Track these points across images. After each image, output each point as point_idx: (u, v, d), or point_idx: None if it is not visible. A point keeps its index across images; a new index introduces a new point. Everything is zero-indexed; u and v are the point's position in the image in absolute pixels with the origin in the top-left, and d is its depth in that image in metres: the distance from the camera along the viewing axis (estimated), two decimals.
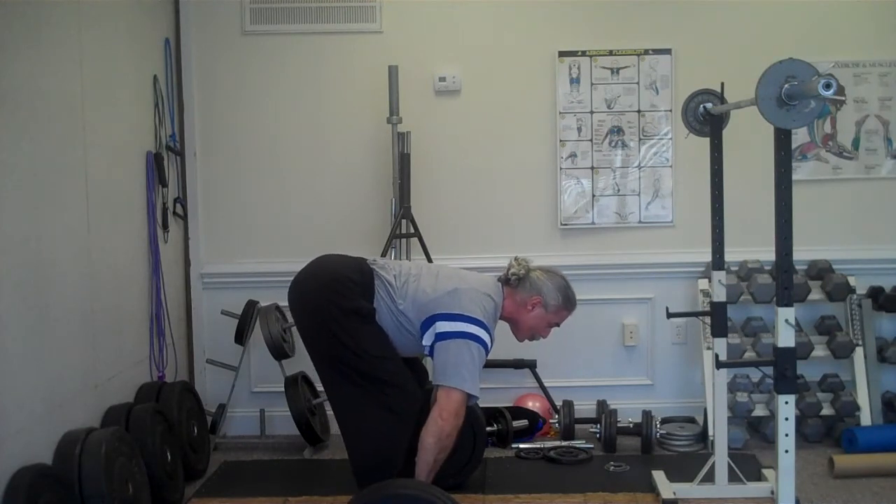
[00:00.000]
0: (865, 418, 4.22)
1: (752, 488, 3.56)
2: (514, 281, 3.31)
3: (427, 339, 3.13)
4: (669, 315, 3.81)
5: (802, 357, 4.07)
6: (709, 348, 4.22)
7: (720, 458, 3.54)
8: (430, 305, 3.13)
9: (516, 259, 3.36)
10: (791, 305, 2.58)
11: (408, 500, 2.77)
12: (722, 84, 3.41)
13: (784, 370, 2.58)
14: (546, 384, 4.51)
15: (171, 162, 4.44)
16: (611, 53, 4.52)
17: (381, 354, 3.12)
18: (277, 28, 4.54)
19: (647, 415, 4.20)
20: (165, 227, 4.31)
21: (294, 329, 4.46)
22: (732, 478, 3.54)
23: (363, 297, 3.14)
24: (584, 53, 4.52)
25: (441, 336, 3.09)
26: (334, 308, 3.10)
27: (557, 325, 3.42)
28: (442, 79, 4.52)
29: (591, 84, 4.53)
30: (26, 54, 3.11)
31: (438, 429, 3.02)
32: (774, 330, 2.61)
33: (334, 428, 4.53)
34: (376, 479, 2.91)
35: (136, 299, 4.04)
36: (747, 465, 3.76)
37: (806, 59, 2.48)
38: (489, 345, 3.15)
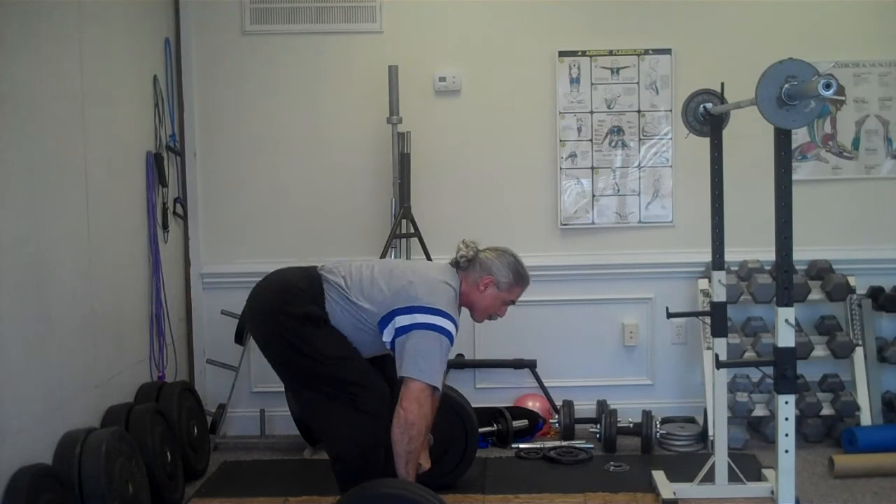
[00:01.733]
0: (865, 418, 4.22)
1: (752, 488, 3.56)
2: (463, 263, 3.31)
3: (387, 336, 3.13)
4: (669, 315, 3.81)
5: (802, 357, 4.07)
6: (709, 348, 4.22)
7: (720, 458, 3.54)
8: (386, 302, 3.13)
9: (464, 242, 3.35)
10: (791, 305, 2.58)
11: (392, 500, 2.79)
12: (722, 84, 3.41)
13: (784, 370, 2.58)
14: (546, 384, 4.51)
15: (171, 162, 4.44)
16: (611, 53, 4.52)
17: (339, 356, 3.12)
18: (277, 28, 4.54)
19: (647, 415, 4.21)
20: (165, 227, 4.31)
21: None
22: (732, 478, 3.54)
23: (313, 303, 3.15)
24: (584, 53, 4.52)
25: (400, 331, 3.09)
26: (283, 316, 3.12)
27: (513, 302, 3.40)
28: (442, 79, 4.52)
29: (591, 84, 4.53)
30: (26, 54, 3.11)
31: (401, 419, 3.02)
32: (774, 330, 2.61)
33: None
34: (359, 480, 2.92)
35: (136, 299, 4.04)
36: (747, 465, 3.76)
37: (806, 59, 2.48)
38: (451, 331, 3.11)
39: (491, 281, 3.29)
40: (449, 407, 3.45)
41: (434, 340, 3.07)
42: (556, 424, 4.36)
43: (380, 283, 3.17)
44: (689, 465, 3.79)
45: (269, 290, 3.23)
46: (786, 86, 2.44)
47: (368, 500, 2.84)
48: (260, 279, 3.31)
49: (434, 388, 3.10)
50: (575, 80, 4.53)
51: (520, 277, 3.36)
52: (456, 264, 3.32)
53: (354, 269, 3.24)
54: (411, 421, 3.02)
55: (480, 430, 4.27)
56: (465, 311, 3.34)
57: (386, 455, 3.08)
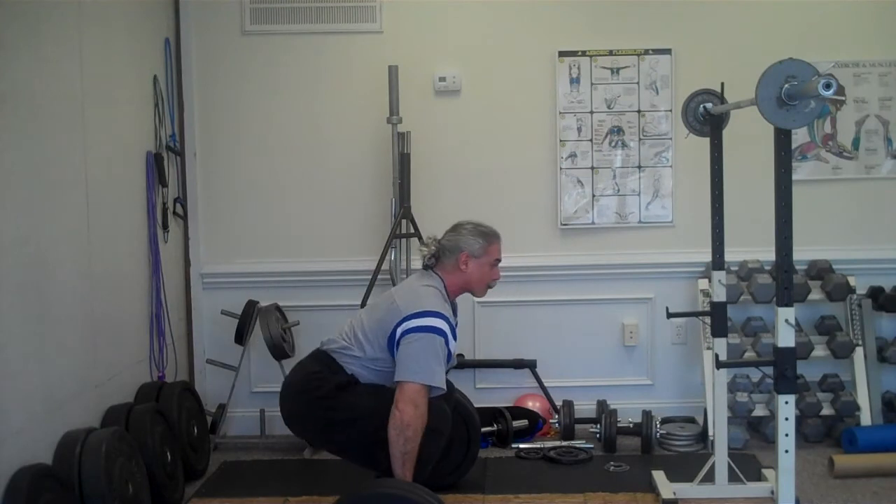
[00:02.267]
0: (865, 418, 4.22)
1: (752, 488, 3.56)
2: (431, 262, 3.37)
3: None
4: (669, 315, 3.82)
5: (802, 357, 4.07)
6: (709, 348, 4.22)
7: (720, 458, 3.54)
8: (380, 332, 3.22)
9: (421, 243, 3.44)
10: (791, 305, 2.58)
11: (390, 500, 2.80)
12: (722, 84, 3.41)
13: (784, 370, 2.58)
14: (546, 384, 4.51)
15: (171, 162, 4.44)
16: (611, 53, 4.52)
17: (381, 402, 3.18)
18: (277, 28, 4.54)
19: (647, 415, 4.21)
20: (165, 227, 4.31)
21: (294, 329, 4.47)
22: (732, 478, 3.54)
23: (335, 374, 3.26)
24: (584, 53, 4.52)
25: (397, 344, 3.18)
26: (317, 402, 3.26)
27: (499, 260, 3.42)
28: (442, 79, 4.52)
29: (591, 84, 4.53)
30: (26, 54, 3.11)
31: (396, 420, 3.07)
32: (774, 330, 2.61)
33: None
34: None
35: (136, 299, 4.04)
36: (747, 465, 3.76)
37: (806, 59, 2.48)
38: (439, 326, 3.16)
39: (466, 255, 3.33)
40: (452, 407, 3.46)
41: (422, 340, 3.12)
42: (556, 424, 4.36)
43: (370, 324, 3.27)
44: (689, 465, 3.79)
45: (294, 390, 3.37)
46: (786, 86, 2.44)
47: (367, 500, 2.84)
48: (283, 381, 3.51)
49: (431, 388, 3.11)
50: (575, 80, 4.53)
51: (488, 236, 3.39)
52: (429, 266, 3.38)
53: (348, 328, 3.35)
54: (407, 422, 3.04)
55: (481, 430, 4.27)
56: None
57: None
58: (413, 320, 3.16)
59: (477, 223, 3.42)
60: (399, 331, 3.17)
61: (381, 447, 3.14)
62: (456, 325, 3.37)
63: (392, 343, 3.19)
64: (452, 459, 3.70)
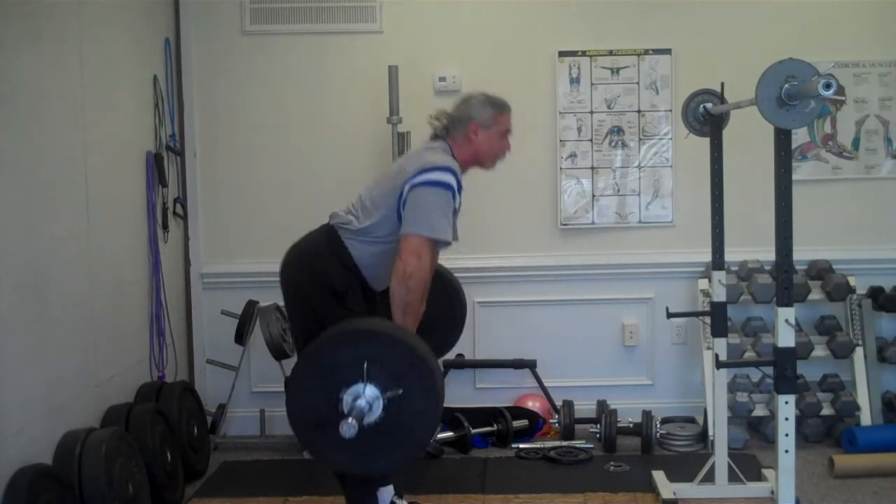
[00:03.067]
0: (865, 418, 4.22)
1: (752, 488, 3.56)
2: (441, 131, 3.26)
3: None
4: (669, 315, 3.82)
5: (802, 357, 4.07)
6: (709, 348, 4.22)
7: (720, 458, 3.54)
8: (390, 194, 3.09)
9: (432, 116, 3.31)
10: (791, 305, 2.58)
11: (392, 341, 2.72)
12: (722, 84, 3.41)
13: (784, 370, 2.58)
14: (546, 384, 4.51)
15: (171, 162, 4.44)
16: (611, 53, 4.52)
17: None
18: (277, 28, 4.54)
19: (647, 415, 4.21)
20: (165, 227, 4.31)
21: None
22: (732, 478, 3.54)
23: (336, 257, 3.15)
24: (584, 53, 4.52)
25: (404, 202, 3.05)
26: (310, 287, 3.18)
27: (509, 131, 3.30)
28: (442, 79, 4.51)
29: (591, 84, 4.53)
30: (27, 54, 3.11)
31: (399, 271, 2.95)
32: (774, 330, 2.61)
33: None
34: None
35: (136, 299, 4.04)
36: (747, 465, 3.76)
37: (806, 59, 2.48)
38: (449, 181, 3.02)
39: (476, 125, 3.22)
40: (436, 282, 3.34)
41: (429, 193, 3.00)
42: (556, 424, 4.35)
43: (379, 190, 3.14)
44: (689, 465, 3.79)
45: (294, 263, 3.28)
46: (786, 86, 2.44)
47: (369, 335, 2.76)
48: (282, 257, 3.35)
49: (436, 241, 3.02)
50: (575, 80, 4.53)
51: (498, 105, 3.28)
52: (438, 136, 3.27)
53: (356, 200, 3.23)
54: (409, 272, 2.94)
55: (481, 430, 4.28)
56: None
57: None
58: (421, 175, 3.02)
59: (487, 93, 3.29)
60: (406, 187, 3.03)
61: None
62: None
63: (400, 204, 3.05)
64: (437, 335, 3.48)
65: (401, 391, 2.62)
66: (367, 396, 2.60)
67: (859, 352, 4.33)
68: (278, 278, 4.14)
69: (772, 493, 3.49)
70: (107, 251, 3.69)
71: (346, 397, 2.60)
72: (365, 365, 2.60)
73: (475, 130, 3.22)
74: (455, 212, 3.11)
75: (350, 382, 2.61)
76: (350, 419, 2.55)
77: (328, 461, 2.82)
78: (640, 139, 4.54)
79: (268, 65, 4.56)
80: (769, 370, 2.63)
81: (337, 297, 3.10)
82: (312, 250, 3.22)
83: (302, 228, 4.55)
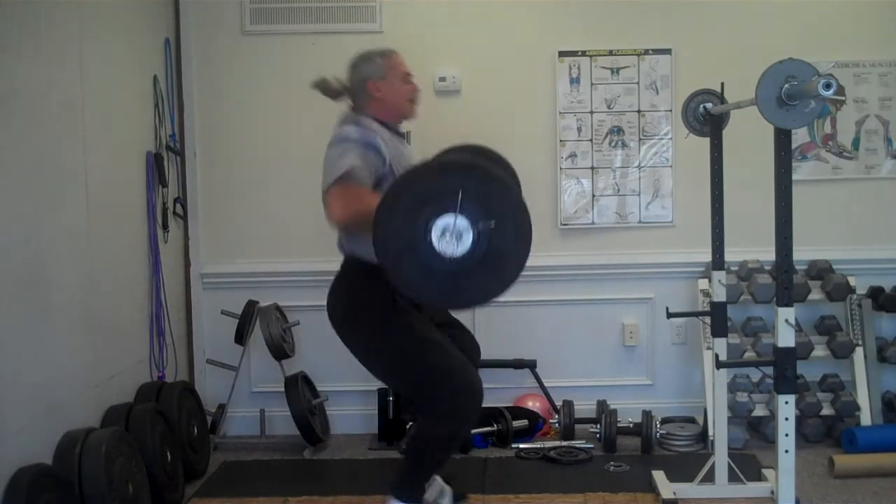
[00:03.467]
0: (865, 418, 4.22)
1: (752, 488, 3.56)
2: (351, 105, 3.28)
3: None
4: (669, 315, 3.82)
5: (802, 357, 4.07)
6: (709, 348, 4.22)
7: (720, 458, 3.54)
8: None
9: (325, 85, 3.31)
10: (791, 305, 2.58)
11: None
12: (722, 84, 3.41)
13: (784, 370, 2.58)
14: (546, 384, 4.51)
15: (171, 162, 4.44)
16: (611, 53, 4.52)
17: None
18: (277, 28, 4.54)
19: (647, 415, 4.21)
20: (165, 227, 4.31)
21: (294, 329, 4.48)
22: (732, 478, 3.54)
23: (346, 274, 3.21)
24: (584, 53, 4.52)
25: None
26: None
27: (408, 74, 3.28)
28: (442, 79, 4.51)
29: (591, 84, 4.53)
30: (27, 55, 3.11)
31: (332, 220, 3.06)
32: (774, 330, 2.61)
33: (334, 428, 4.55)
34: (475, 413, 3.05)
35: (136, 299, 4.04)
36: (747, 465, 3.76)
37: (806, 59, 2.48)
38: (347, 134, 3.09)
39: (372, 82, 3.21)
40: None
41: (328, 152, 3.10)
42: (556, 424, 4.36)
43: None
44: (689, 465, 3.79)
45: (331, 307, 3.32)
46: (786, 86, 2.44)
47: (467, 168, 2.76)
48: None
49: (342, 178, 3.02)
50: (575, 80, 4.53)
51: (382, 53, 3.26)
52: (350, 112, 3.29)
53: None
54: (337, 220, 3.02)
55: (481, 430, 4.28)
56: None
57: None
58: (337, 141, 3.12)
59: (363, 52, 3.28)
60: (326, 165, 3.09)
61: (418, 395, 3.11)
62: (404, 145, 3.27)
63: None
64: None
65: (493, 224, 2.62)
66: (458, 227, 2.60)
67: (859, 352, 4.33)
68: (280, 279, 4.21)
69: (772, 493, 3.49)
70: (107, 251, 3.69)
71: (436, 227, 2.60)
72: (459, 195, 2.59)
73: (375, 87, 3.21)
74: (377, 150, 3.08)
75: (442, 211, 2.61)
76: (447, 236, 2.57)
77: (409, 286, 2.78)
78: (640, 139, 4.54)
79: (268, 65, 4.55)
80: (769, 370, 2.63)
81: (394, 311, 3.11)
82: (337, 285, 3.30)
83: (302, 228, 4.59)
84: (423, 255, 2.62)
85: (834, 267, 4.41)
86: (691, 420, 4.44)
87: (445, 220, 2.61)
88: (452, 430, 3.12)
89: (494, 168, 2.83)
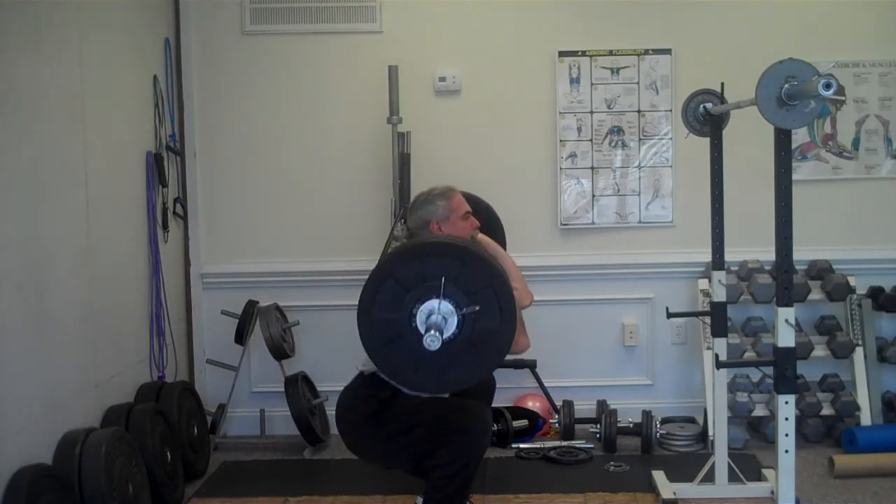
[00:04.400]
0: (865, 418, 4.22)
1: (752, 488, 3.56)
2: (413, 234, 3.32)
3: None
4: (669, 315, 3.82)
5: (802, 357, 4.07)
6: (709, 348, 4.22)
7: (720, 458, 3.54)
8: None
9: (394, 238, 3.41)
10: (791, 305, 2.58)
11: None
12: (722, 84, 3.41)
13: (784, 370, 2.58)
14: (546, 384, 4.51)
15: (171, 162, 4.44)
16: (611, 53, 4.52)
17: (423, 410, 3.13)
18: (277, 28, 4.54)
19: (647, 415, 4.21)
20: (165, 227, 4.31)
21: (294, 329, 4.48)
22: (732, 478, 3.54)
23: (380, 391, 3.16)
24: (584, 53, 4.52)
25: None
26: (364, 420, 3.19)
27: (469, 212, 3.32)
28: (442, 79, 4.51)
29: (591, 84, 4.53)
30: (27, 54, 3.11)
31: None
32: (774, 330, 2.61)
33: (334, 428, 4.54)
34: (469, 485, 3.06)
35: (136, 299, 4.04)
36: (747, 465, 3.76)
37: (806, 59, 2.47)
38: None
39: (435, 223, 3.27)
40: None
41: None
42: (556, 424, 4.36)
43: None
44: (689, 465, 3.79)
45: (341, 413, 3.30)
46: (786, 86, 2.44)
47: (446, 250, 2.76)
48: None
49: None
50: (575, 80, 4.53)
51: (444, 196, 3.31)
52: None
53: None
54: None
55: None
56: None
57: None
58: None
59: (426, 194, 3.33)
60: None
61: (427, 454, 3.07)
62: None
63: None
64: None
65: (477, 307, 2.63)
66: (441, 312, 2.61)
67: (859, 352, 4.33)
68: (280, 279, 4.18)
69: (772, 493, 3.49)
70: (107, 251, 3.69)
71: (420, 313, 2.61)
72: (442, 281, 2.60)
73: (438, 227, 3.28)
74: None
75: (424, 298, 2.62)
76: (432, 331, 2.56)
77: (398, 376, 2.81)
78: (640, 139, 4.54)
79: (268, 65, 4.56)
80: (769, 370, 2.63)
81: (380, 412, 3.13)
82: (344, 401, 3.29)
83: (302, 228, 4.60)
84: (409, 342, 2.63)
85: (834, 267, 4.41)
86: (691, 420, 4.44)
87: (430, 306, 2.63)
88: (464, 462, 3.07)
89: (473, 247, 2.83)
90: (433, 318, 2.61)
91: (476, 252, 2.78)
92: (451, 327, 2.63)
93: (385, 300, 2.68)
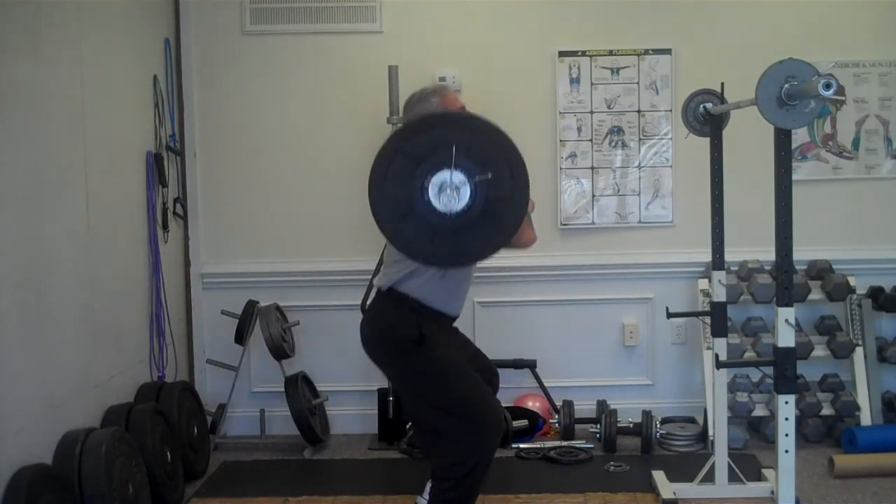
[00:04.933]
0: (865, 418, 4.22)
1: (752, 488, 3.56)
2: None
3: None
4: (669, 315, 3.82)
5: (802, 357, 4.07)
6: (709, 348, 4.22)
7: (720, 458, 3.54)
8: None
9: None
10: (791, 305, 2.58)
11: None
12: (722, 84, 3.41)
13: (784, 370, 2.58)
14: (546, 384, 4.51)
15: (171, 162, 4.44)
16: (611, 53, 4.52)
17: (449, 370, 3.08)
18: (277, 28, 4.54)
19: (647, 415, 4.21)
20: (165, 227, 4.31)
21: (294, 329, 4.47)
22: (732, 478, 3.54)
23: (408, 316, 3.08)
24: (584, 53, 4.52)
25: None
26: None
27: (463, 107, 3.23)
28: (442, 79, 4.51)
29: (591, 84, 4.53)
30: (26, 54, 3.11)
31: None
32: (774, 330, 2.61)
33: (334, 428, 4.55)
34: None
35: (136, 299, 4.04)
36: (747, 465, 3.76)
37: (806, 59, 2.48)
38: None
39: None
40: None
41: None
42: (556, 424, 4.36)
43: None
44: (689, 465, 3.80)
45: (370, 336, 3.21)
46: (786, 86, 2.44)
47: (455, 121, 2.71)
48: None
49: None
50: (575, 80, 4.53)
51: (436, 95, 3.21)
52: None
53: (384, 260, 3.23)
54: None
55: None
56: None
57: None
58: None
59: (419, 90, 3.26)
60: None
61: (439, 439, 3.03)
62: None
63: None
64: None
65: (490, 175, 2.58)
66: (454, 182, 2.57)
67: (859, 352, 4.33)
68: (280, 279, 4.17)
69: (772, 493, 3.49)
70: (107, 251, 3.69)
71: (432, 185, 2.57)
72: (453, 149, 2.55)
73: None
74: None
75: (435, 169, 2.57)
76: (448, 190, 2.53)
77: (413, 250, 2.75)
78: (640, 139, 4.54)
79: (268, 65, 4.56)
80: (769, 370, 2.63)
81: (419, 344, 3.05)
82: (381, 316, 3.18)
83: (302, 228, 4.60)
84: (423, 215, 2.58)
85: (834, 267, 4.41)
86: (691, 420, 4.44)
87: (441, 177, 2.57)
88: (474, 462, 3.02)
89: (480, 117, 2.75)
90: (446, 188, 2.56)
91: (483, 120, 2.71)
92: (465, 198, 2.58)
93: (396, 176, 2.62)
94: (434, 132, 2.65)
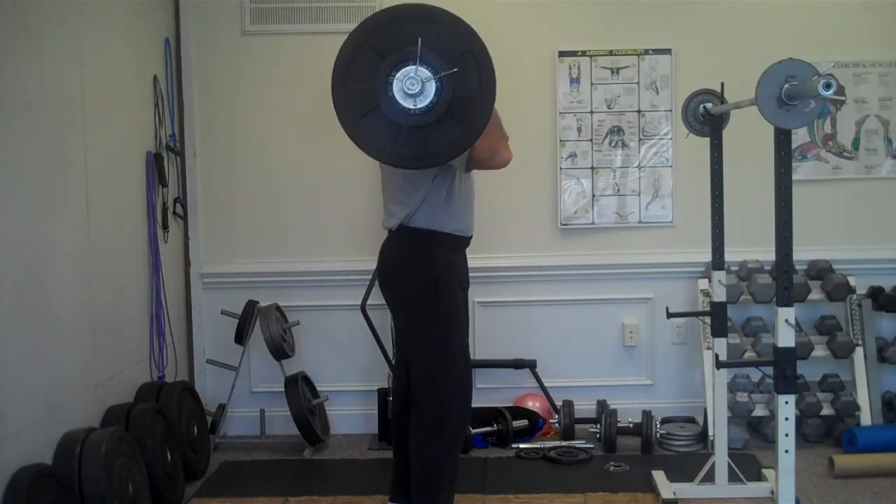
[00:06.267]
0: (865, 418, 4.22)
1: (752, 488, 3.56)
2: None
3: None
4: (669, 315, 3.82)
5: (802, 357, 4.07)
6: (709, 348, 4.22)
7: (720, 458, 3.54)
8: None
9: None
10: (791, 305, 2.58)
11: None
12: (722, 84, 3.41)
13: (784, 370, 2.58)
14: (546, 384, 4.51)
15: (171, 162, 4.44)
16: (611, 53, 4.52)
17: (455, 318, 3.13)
18: (277, 28, 4.54)
19: (647, 415, 4.21)
20: (165, 227, 4.31)
21: (294, 329, 4.48)
22: (732, 478, 3.54)
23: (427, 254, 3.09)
24: (584, 53, 4.52)
25: None
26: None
27: None
28: None
29: (591, 84, 4.53)
30: (26, 54, 3.11)
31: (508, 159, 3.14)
32: (774, 330, 2.62)
33: (334, 428, 4.56)
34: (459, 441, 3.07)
35: (136, 299, 4.04)
36: (747, 465, 3.76)
37: (806, 59, 2.48)
38: None
39: None
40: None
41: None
42: (556, 424, 4.36)
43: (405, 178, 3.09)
44: (689, 465, 3.79)
45: (389, 272, 3.21)
46: (786, 86, 2.44)
47: (422, 13, 2.64)
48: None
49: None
50: (575, 80, 4.53)
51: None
52: None
53: (387, 202, 3.22)
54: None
55: (481, 430, 4.28)
56: None
57: None
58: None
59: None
60: None
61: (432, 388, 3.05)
62: None
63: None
64: None
65: (455, 70, 2.51)
66: (419, 77, 2.50)
67: (859, 352, 4.33)
68: (280, 279, 4.15)
69: (772, 493, 3.49)
70: (107, 251, 3.69)
71: (396, 80, 2.49)
72: (419, 44, 2.48)
73: None
74: None
75: (401, 64, 2.50)
76: (413, 85, 2.45)
77: (375, 148, 2.66)
78: (640, 139, 4.54)
79: (268, 65, 4.55)
80: (769, 370, 2.63)
81: (435, 289, 3.07)
82: (401, 255, 3.18)
83: (302, 228, 4.59)
84: (386, 112, 2.50)
85: (834, 267, 4.41)
86: (691, 420, 4.44)
87: (406, 72, 2.49)
88: (449, 431, 3.11)
89: (451, 13, 2.69)
90: (411, 83, 2.47)
91: (453, 15, 2.64)
92: (430, 94, 2.50)
93: (359, 71, 2.54)
94: (402, 25, 2.57)
